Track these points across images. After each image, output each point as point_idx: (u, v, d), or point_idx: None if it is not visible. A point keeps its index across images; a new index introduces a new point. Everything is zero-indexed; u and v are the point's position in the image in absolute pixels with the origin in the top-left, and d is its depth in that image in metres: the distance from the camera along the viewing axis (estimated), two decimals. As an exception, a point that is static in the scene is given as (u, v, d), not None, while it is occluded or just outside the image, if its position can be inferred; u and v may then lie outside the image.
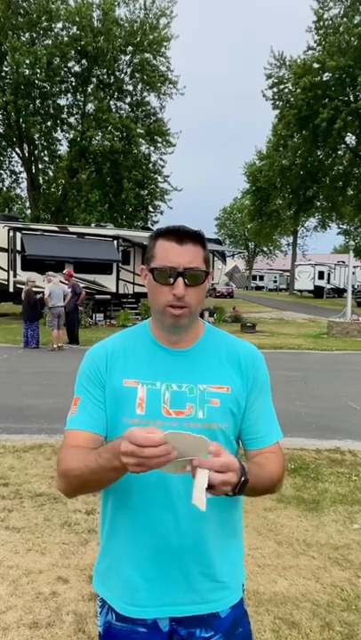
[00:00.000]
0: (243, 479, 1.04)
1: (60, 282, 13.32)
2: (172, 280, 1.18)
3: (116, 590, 1.26)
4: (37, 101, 27.31)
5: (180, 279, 1.18)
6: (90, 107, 29.10)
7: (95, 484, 1.15)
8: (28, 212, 31.53)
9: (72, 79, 28.49)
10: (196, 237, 1.22)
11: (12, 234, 18.06)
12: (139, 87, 29.44)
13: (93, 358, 1.29)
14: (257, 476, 1.13)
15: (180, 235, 1.20)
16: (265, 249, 63.12)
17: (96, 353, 1.30)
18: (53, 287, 12.55)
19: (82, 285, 17.99)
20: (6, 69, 25.88)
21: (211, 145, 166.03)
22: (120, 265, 20.13)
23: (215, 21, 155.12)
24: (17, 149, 29.72)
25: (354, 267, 31.54)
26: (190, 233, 1.21)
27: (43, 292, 12.62)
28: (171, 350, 1.27)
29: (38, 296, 12.58)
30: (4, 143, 29.53)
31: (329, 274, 43.38)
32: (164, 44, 27.82)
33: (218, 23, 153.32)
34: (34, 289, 12.79)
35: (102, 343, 1.33)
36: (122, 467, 1.00)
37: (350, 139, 32.49)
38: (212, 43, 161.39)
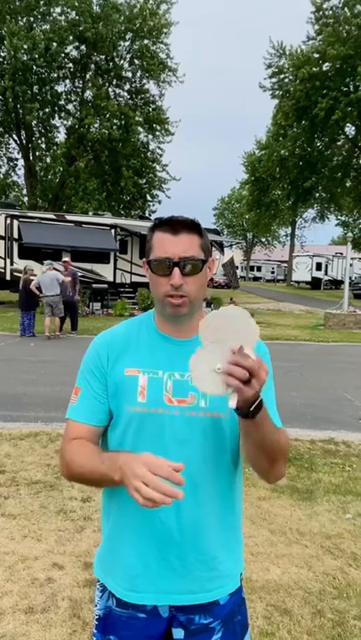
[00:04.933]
0: (260, 398, 1.03)
1: (55, 269, 13.20)
2: (168, 270, 1.19)
3: (115, 575, 1.28)
4: (35, 87, 26.99)
5: (176, 269, 1.18)
6: (88, 93, 28.80)
7: (95, 484, 1.26)
8: (25, 199, 31.32)
9: (70, 65, 28.17)
10: (190, 226, 1.21)
11: (9, 221, 17.95)
12: (138, 74, 29.15)
13: (96, 349, 1.31)
14: (268, 422, 1.11)
15: (174, 224, 1.20)
16: (263, 240, 62.99)
17: (99, 343, 1.32)
18: (42, 277, 12.42)
19: (78, 274, 17.93)
20: (4, 54, 25.55)
21: (209, 135, 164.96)
22: (117, 254, 20.06)
23: (212, 16, 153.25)
24: (14, 136, 29.42)
25: (352, 258, 31.53)
26: (184, 222, 1.21)
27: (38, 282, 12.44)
28: (173, 340, 1.28)
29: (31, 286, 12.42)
30: (0, 129, 29.23)
31: (327, 265, 43.35)
32: (164, 30, 27.49)
33: (214, 18, 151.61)
34: (31, 277, 12.72)
35: (106, 333, 1.35)
36: (119, 481, 1.07)
37: (350, 129, 32.28)
38: (215, 34, 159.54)
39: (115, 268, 20.11)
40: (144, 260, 1.28)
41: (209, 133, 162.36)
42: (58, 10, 26.19)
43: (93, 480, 1.21)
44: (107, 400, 1.28)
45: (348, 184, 33.92)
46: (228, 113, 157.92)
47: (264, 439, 1.12)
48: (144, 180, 30.35)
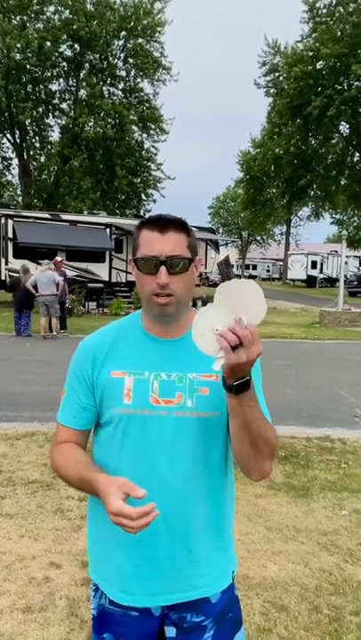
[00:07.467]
0: (247, 377, 1.05)
1: (50, 269, 13.16)
2: (155, 269, 1.19)
3: (107, 577, 1.29)
4: (29, 87, 26.89)
5: (162, 268, 1.18)
6: (82, 92, 28.74)
7: (79, 489, 1.30)
8: (20, 198, 31.23)
9: (64, 64, 28.06)
10: (178, 225, 1.21)
11: (3, 221, 17.89)
12: (132, 73, 29.10)
13: (82, 354, 1.32)
14: (255, 408, 1.11)
15: (162, 223, 1.20)
16: (258, 238, 62.99)
17: (85, 347, 1.32)
18: (39, 276, 12.35)
19: (73, 274, 17.87)
20: (-3, 53, 25.48)
21: (207, 135, 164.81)
22: (113, 253, 20.04)
23: (211, 17, 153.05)
24: (8, 135, 29.31)
25: (346, 256, 31.58)
26: (172, 221, 1.21)
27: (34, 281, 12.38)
28: (160, 340, 1.28)
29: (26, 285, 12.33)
30: (-6, 129, 29.15)
31: (322, 263, 43.44)
32: (158, 29, 27.45)
33: (213, 19, 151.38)
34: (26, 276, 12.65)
35: (92, 337, 1.35)
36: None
37: (344, 127, 32.35)
38: (214, 34, 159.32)
39: (110, 267, 20.08)
40: (130, 258, 1.28)
41: (207, 133, 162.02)
42: (51, 8, 26.13)
43: (78, 488, 1.28)
44: (91, 405, 1.29)
45: (342, 182, 34.01)
46: (225, 113, 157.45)
47: (250, 423, 1.10)
48: (139, 179, 30.31)
